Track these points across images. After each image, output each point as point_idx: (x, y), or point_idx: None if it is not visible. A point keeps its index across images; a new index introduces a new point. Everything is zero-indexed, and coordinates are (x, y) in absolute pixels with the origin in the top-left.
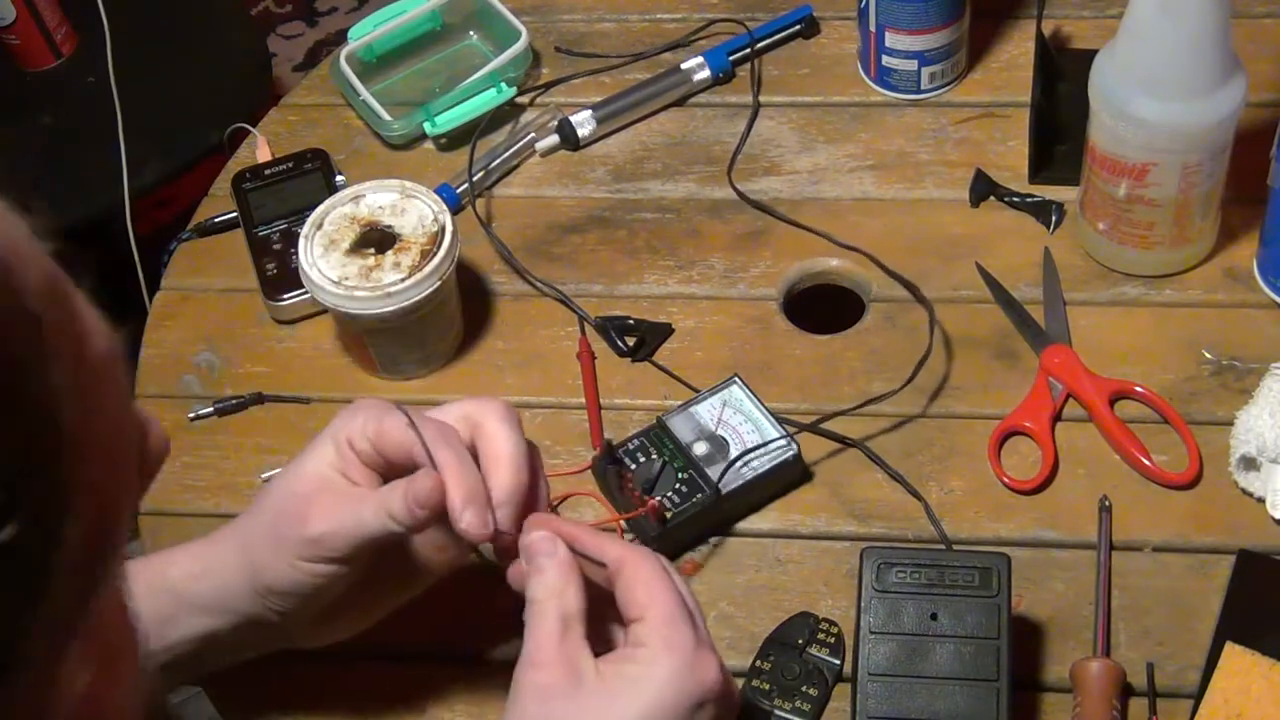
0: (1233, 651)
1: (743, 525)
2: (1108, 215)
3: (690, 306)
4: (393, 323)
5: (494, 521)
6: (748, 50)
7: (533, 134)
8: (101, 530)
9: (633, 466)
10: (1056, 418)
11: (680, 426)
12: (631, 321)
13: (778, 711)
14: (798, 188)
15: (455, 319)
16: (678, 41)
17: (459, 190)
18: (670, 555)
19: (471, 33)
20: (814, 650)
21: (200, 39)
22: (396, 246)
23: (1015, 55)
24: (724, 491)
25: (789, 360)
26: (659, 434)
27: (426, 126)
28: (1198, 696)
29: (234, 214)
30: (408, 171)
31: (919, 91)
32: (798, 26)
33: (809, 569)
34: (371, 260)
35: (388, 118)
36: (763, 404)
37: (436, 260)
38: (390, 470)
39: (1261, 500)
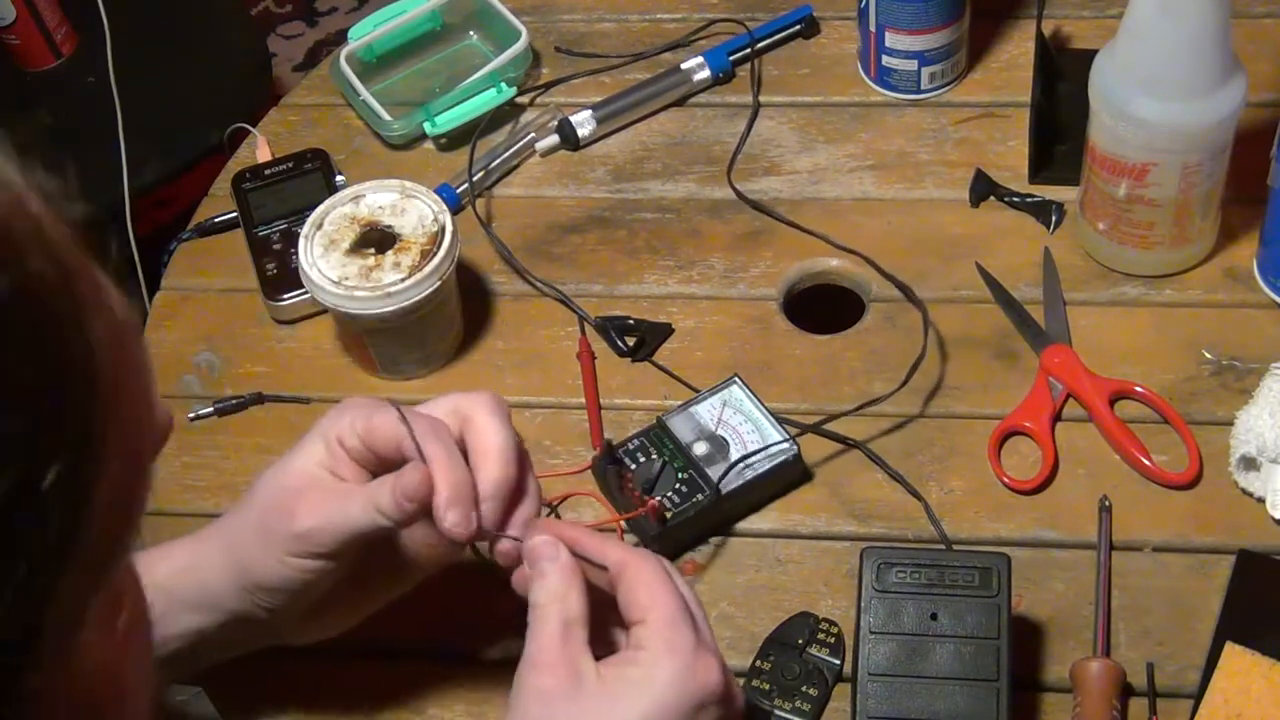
0: (1233, 651)
1: (743, 525)
2: (1108, 215)
3: (690, 306)
4: (393, 323)
5: (478, 520)
6: (748, 50)
7: (533, 134)
8: (126, 492)
9: (633, 466)
10: (1056, 418)
11: (680, 426)
12: (631, 321)
13: (778, 711)
14: (798, 188)
15: (455, 319)
16: (678, 41)
17: (459, 190)
18: (670, 555)
19: (471, 33)
20: (814, 650)
21: (200, 39)
22: (396, 246)
23: (1015, 55)
24: (724, 491)
25: (789, 360)
26: (659, 434)
27: (426, 126)
28: (1198, 696)
29: (234, 214)
30: (408, 171)
31: (919, 91)
32: (798, 26)
33: (809, 569)
34: (371, 260)
35: (388, 118)
36: (763, 404)
37: (436, 260)
38: (380, 467)
39: (1261, 500)
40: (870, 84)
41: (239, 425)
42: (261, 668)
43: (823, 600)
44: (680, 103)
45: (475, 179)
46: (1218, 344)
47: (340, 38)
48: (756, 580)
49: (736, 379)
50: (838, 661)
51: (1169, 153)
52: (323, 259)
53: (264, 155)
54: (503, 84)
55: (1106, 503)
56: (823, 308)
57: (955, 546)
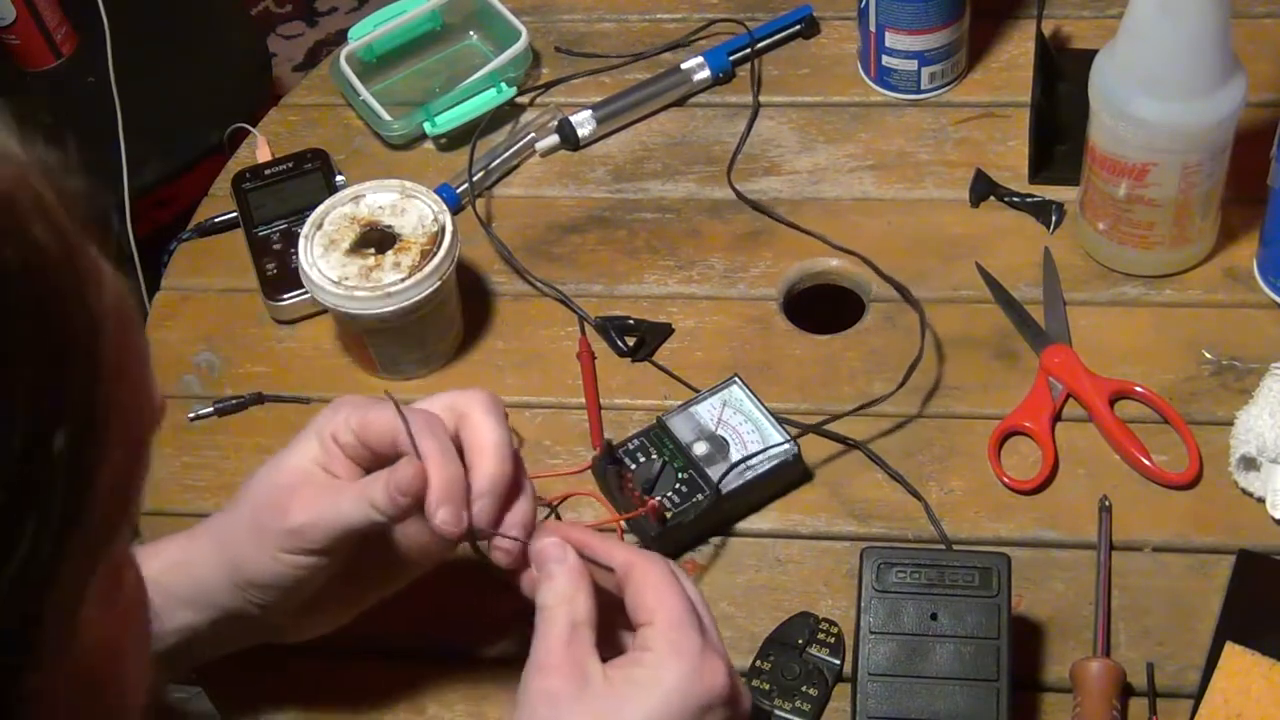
0: (1233, 651)
1: (743, 525)
2: (1108, 215)
3: (690, 306)
4: (393, 323)
5: (469, 518)
6: (748, 50)
7: (533, 134)
8: (127, 462)
9: (633, 466)
10: (1056, 418)
11: (680, 426)
12: (631, 321)
13: (778, 711)
14: (798, 188)
15: (455, 319)
16: (678, 41)
17: (459, 190)
18: (670, 555)
19: (471, 33)
20: (814, 650)
21: (200, 39)
22: (396, 246)
23: (1015, 55)
24: (724, 491)
25: (789, 360)
26: (659, 434)
27: (426, 126)
28: (1198, 696)
29: (234, 214)
30: (408, 171)
31: (919, 91)
32: (798, 26)
33: (809, 569)
34: (371, 260)
35: (388, 118)
36: (763, 404)
37: (436, 260)
38: (374, 463)
39: (1261, 500)
40: (870, 84)
41: (239, 425)
42: (261, 667)
43: (823, 600)
44: (680, 103)
45: (475, 179)
46: (1218, 344)
47: (340, 38)
48: (756, 580)
49: (736, 379)
50: (838, 661)
51: (1169, 153)
52: (323, 259)
53: (264, 155)
54: (503, 84)
55: (1106, 503)
56: (823, 308)
57: (955, 546)
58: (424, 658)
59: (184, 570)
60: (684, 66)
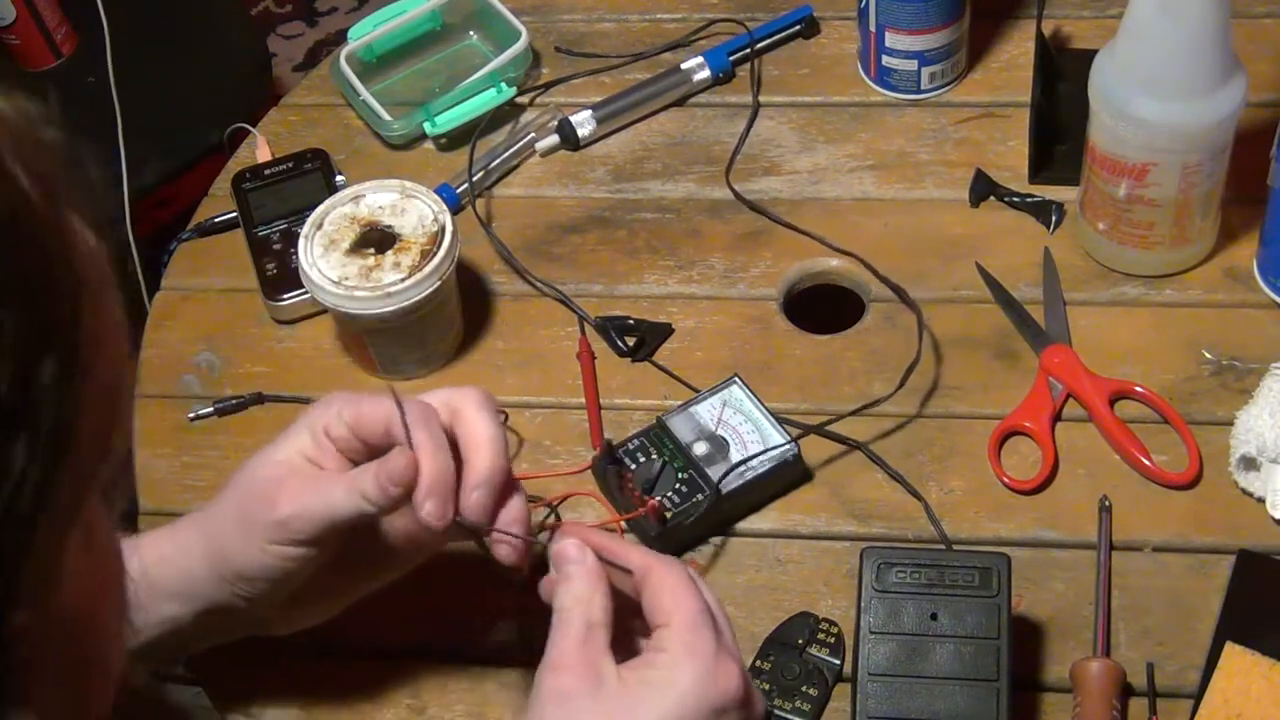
0: (1233, 651)
1: (743, 525)
2: (1108, 215)
3: (690, 306)
4: (393, 323)
5: (454, 510)
6: (748, 50)
7: (533, 134)
8: (108, 419)
9: (633, 466)
10: (1056, 418)
11: (680, 426)
12: (631, 321)
13: (778, 711)
14: (797, 188)
15: (455, 319)
16: (678, 41)
17: (459, 190)
18: (670, 555)
19: (471, 33)
20: (814, 650)
21: (200, 39)
22: (396, 246)
23: (1015, 55)
24: (724, 492)
25: (789, 360)
26: (659, 434)
27: (426, 126)
28: (1198, 696)
29: (234, 214)
30: (408, 171)
31: (919, 91)
32: (798, 26)
33: (809, 569)
34: (371, 260)
35: (388, 118)
36: (763, 404)
37: (436, 260)
38: (366, 456)
39: (1261, 500)
40: (870, 84)
41: (239, 425)
42: (261, 667)
43: (823, 600)
44: (680, 103)
45: (475, 179)
46: (1218, 344)
47: (340, 38)
48: (756, 580)
49: (736, 379)
50: (838, 661)
51: (1169, 153)
52: (323, 259)
53: (264, 155)
54: (503, 84)
55: (1106, 503)
56: (823, 308)
57: (955, 546)
58: (425, 658)
59: (170, 563)
60: (684, 66)
